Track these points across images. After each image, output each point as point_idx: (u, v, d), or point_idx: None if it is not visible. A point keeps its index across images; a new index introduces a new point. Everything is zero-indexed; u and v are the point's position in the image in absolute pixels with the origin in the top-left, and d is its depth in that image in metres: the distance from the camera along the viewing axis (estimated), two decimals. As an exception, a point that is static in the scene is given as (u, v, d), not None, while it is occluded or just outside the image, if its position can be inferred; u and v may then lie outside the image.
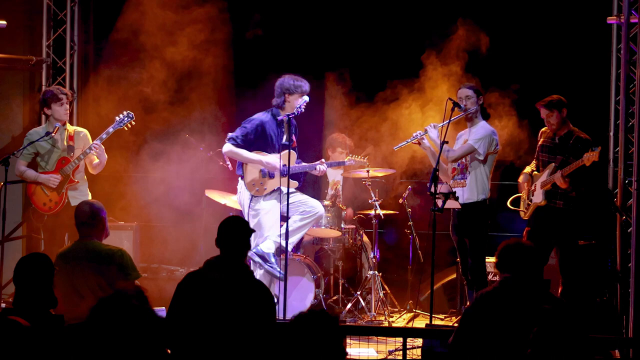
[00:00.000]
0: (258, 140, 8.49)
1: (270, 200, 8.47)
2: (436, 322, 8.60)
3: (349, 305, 9.35)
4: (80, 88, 10.94)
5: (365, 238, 10.01)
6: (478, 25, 9.67)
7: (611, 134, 9.49)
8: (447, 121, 8.10)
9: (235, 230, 5.58)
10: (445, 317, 9.41)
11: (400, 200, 9.69)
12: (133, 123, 8.93)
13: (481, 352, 5.19)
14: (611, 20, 9.18)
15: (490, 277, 8.86)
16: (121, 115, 8.86)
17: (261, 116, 8.55)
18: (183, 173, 10.74)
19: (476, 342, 5.23)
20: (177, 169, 10.86)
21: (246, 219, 8.50)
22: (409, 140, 8.50)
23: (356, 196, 10.20)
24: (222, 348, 5.20)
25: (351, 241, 9.78)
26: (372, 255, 9.55)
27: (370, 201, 9.61)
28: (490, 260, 8.82)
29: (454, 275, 9.63)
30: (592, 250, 9.47)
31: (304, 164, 8.67)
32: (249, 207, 8.51)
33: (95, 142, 8.73)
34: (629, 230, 8.25)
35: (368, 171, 9.47)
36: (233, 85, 11.14)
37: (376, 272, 9.40)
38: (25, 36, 10.89)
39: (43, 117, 10.47)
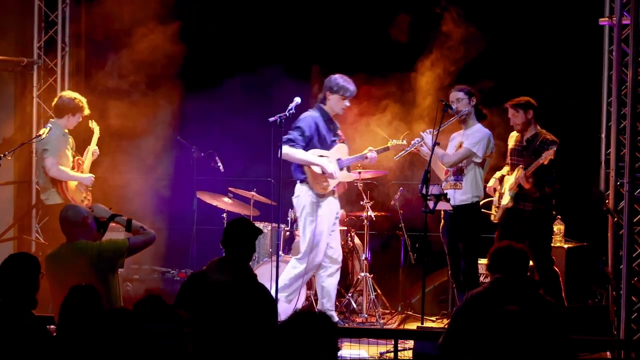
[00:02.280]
0: (314, 138, 8.58)
1: (327, 205, 8.60)
2: (427, 324, 8.59)
3: (341, 307, 9.34)
4: (71, 90, 10.89)
5: (356, 240, 10.00)
6: (469, 24, 9.67)
7: (603, 135, 9.48)
8: (439, 127, 8.10)
9: (241, 232, 5.57)
10: (436, 319, 9.39)
11: (392, 202, 9.68)
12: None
13: (471, 353, 5.18)
14: (603, 21, 9.17)
15: (482, 278, 8.84)
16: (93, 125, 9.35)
17: (312, 113, 8.65)
18: (174, 174, 10.72)
19: (466, 343, 5.21)
20: (169, 171, 10.85)
21: (301, 224, 8.62)
22: (409, 149, 8.50)
23: (348, 199, 10.19)
24: (224, 349, 5.19)
25: (342, 243, 9.76)
26: (363, 256, 9.53)
27: (361, 203, 9.60)
28: (483, 262, 8.82)
29: (446, 278, 9.61)
30: (584, 252, 9.48)
31: (352, 156, 8.81)
32: (308, 213, 8.60)
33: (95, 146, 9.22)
34: (620, 232, 8.23)
35: (360, 172, 9.46)
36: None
37: (367, 274, 9.38)
38: (16, 37, 10.83)
39: (34, 118, 10.48)
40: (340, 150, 8.70)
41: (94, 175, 9.11)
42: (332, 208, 8.69)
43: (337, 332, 3.90)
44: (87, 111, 9.07)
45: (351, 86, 8.61)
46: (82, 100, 9.07)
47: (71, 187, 8.92)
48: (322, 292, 8.72)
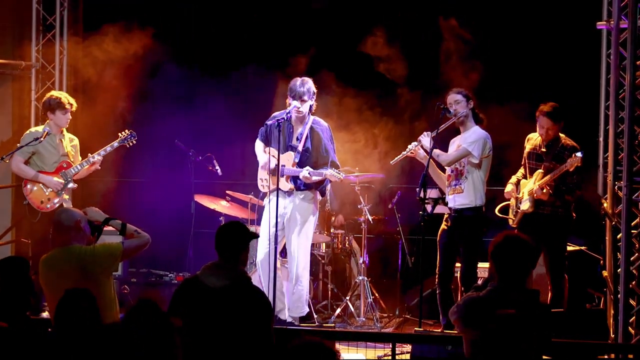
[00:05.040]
0: (270, 137, 8.53)
1: (269, 206, 8.43)
2: (425, 327, 8.57)
3: (338, 311, 9.34)
4: (70, 93, 10.89)
5: (354, 243, 9.99)
6: (467, 29, 9.68)
7: (601, 139, 9.47)
8: (437, 128, 8.10)
9: (233, 236, 5.55)
10: (434, 323, 9.37)
11: (390, 205, 9.68)
12: (135, 141, 9.17)
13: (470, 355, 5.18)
14: (601, 25, 9.17)
15: (480, 282, 8.82)
16: (124, 133, 9.14)
17: (277, 113, 8.59)
18: (172, 178, 10.71)
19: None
20: (167, 174, 10.83)
21: None
22: (405, 153, 8.45)
23: (344, 202, 10.18)
24: (219, 354, 5.18)
25: (340, 246, 9.76)
26: (361, 260, 9.52)
27: (359, 206, 9.59)
28: (482, 266, 8.81)
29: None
30: (582, 255, 9.47)
31: (293, 168, 8.55)
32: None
33: (98, 156, 9.02)
34: (618, 236, 8.23)
35: (357, 176, 9.46)
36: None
37: (365, 278, 9.37)
38: (15, 41, 10.85)
39: (32, 122, 10.47)
40: (287, 158, 8.47)
41: (62, 181, 8.93)
42: (275, 209, 8.25)
43: None
44: (67, 106, 8.97)
45: (295, 89, 8.41)
46: (61, 95, 9.10)
47: (32, 187, 8.92)
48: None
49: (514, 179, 8.70)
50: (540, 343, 5.02)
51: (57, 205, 8.89)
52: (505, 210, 8.80)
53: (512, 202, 8.64)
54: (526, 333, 5.03)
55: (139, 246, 6.31)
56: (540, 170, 8.31)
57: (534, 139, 8.54)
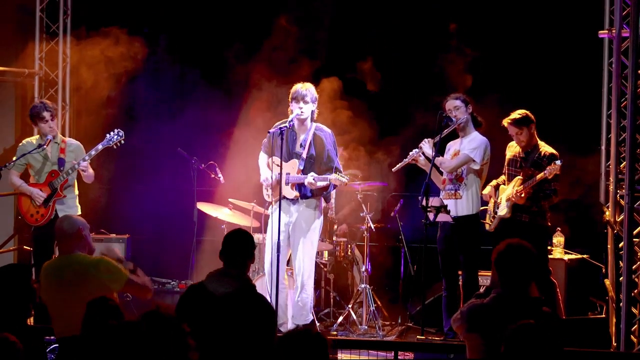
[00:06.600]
0: (273, 146, 8.44)
1: (273, 215, 8.38)
2: (428, 335, 8.57)
3: (341, 319, 9.32)
4: (72, 100, 10.93)
5: (356, 251, 9.99)
6: (468, 37, 9.69)
7: (602, 147, 9.48)
8: (439, 135, 8.13)
9: (240, 243, 5.56)
10: (437, 331, 9.37)
11: (392, 214, 9.68)
12: (122, 142, 8.81)
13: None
14: (602, 34, 9.18)
15: (482, 290, 8.81)
16: (111, 133, 8.81)
17: (279, 122, 8.51)
18: (175, 185, 10.72)
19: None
20: (169, 182, 10.85)
21: None
22: (406, 160, 8.48)
23: (351, 209, 10.20)
24: (224, 360, 5.21)
25: (342, 254, 9.76)
26: (363, 268, 9.52)
27: (361, 214, 9.59)
28: (483, 273, 8.81)
29: (446, 289, 9.62)
30: (584, 264, 9.47)
31: (298, 175, 8.51)
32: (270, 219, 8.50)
33: (82, 161, 8.70)
34: (620, 245, 8.24)
35: (360, 184, 9.47)
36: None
37: (367, 286, 9.37)
38: (18, 48, 10.87)
39: (35, 130, 10.49)
40: (291, 166, 8.46)
41: (43, 194, 8.72)
42: (278, 218, 8.21)
43: (327, 354, 3.91)
44: (44, 113, 8.70)
45: (297, 92, 8.40)
46: (39, 105, 8.85)
47: (24, 201, 8.85)
48: None
49: (494, 182, 8.74)
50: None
51: (47, 218, 8.72)
52: (482, 214, 8.80)
53: (490, 206, 8.66)
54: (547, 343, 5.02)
55: (141, 289, 6.13)
56: (519, 177, 8.35)
57: (514, 147, 8.61)
